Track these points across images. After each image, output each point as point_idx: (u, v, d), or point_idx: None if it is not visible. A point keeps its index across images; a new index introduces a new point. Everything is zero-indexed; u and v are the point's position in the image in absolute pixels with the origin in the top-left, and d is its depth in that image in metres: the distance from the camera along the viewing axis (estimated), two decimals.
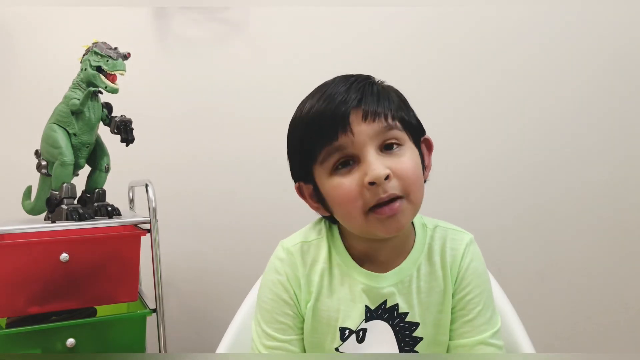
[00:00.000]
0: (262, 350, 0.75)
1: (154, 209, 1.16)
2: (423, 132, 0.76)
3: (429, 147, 0.77)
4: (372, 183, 0.66)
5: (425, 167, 0.75)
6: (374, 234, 0.70)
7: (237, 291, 1.02)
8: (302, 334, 0.76)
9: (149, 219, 1.16)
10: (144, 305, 1.19)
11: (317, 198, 0.75)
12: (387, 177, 0.66)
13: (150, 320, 1.17)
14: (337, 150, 0.69)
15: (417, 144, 0.74)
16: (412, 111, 0.75)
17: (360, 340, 0.73)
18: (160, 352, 1.18)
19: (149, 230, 1.16)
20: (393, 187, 0.67)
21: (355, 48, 1.60)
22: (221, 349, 0.90)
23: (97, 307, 1.18)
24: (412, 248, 0.76)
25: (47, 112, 1.18)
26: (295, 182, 0.77)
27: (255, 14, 1.57)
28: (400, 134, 0.70)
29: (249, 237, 1.57)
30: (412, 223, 0.78)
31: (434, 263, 0.76)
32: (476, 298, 0.75)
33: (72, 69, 1.18)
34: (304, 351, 0.76)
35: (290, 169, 0.77)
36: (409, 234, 0.77)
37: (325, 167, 0.70)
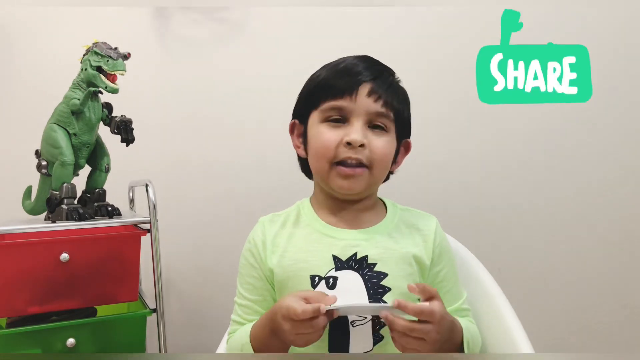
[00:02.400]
0: (237, 309, 0.86)
1: (154, 209, 1.16)
2: (408, 134, 0.88)
3: (407, 149, 0.89)
4: (349, 143, 0.78)
5: (396, 161, 0.87)
6: (332, 187, 0.82)
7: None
8: (269, 297, 0.85)
9: (149, 218, 1.16)
10: (144, 305, 1.19)
11: (302, 139, 0.87)
12: (362, 145, 0.78)
13: (150, 320, 1.17)
14: (336, 108, 0.80)
15: (399, 140, 0.85)
16: (409, 114, 0.86)
17: (331, 287, 0.80)
18: (160, 352, 1.18)
19: (149, 230, 1.16)
20: (363, 155, 0.79)
21: (356, 48, 1.59)
22: (221, 349, 0.91)
23: (97, 307, 1.18)
24: (383, 219, 0.86)
25: (47, 112, 1.19)
26: (292, 118, 0.88)
27: (255, 14, 1.57)
28: (389, 123, 0.82)
29: None
30: (383, 202, 0.90)
31: (403, 232, 0.86)
32: (450, 271, 0.87)
33: (72, 69, 1.18)
34: None
35: (294, 107, 0.88)
36: (373, 205, 0.88)
37: (320, 114, 0.82)
